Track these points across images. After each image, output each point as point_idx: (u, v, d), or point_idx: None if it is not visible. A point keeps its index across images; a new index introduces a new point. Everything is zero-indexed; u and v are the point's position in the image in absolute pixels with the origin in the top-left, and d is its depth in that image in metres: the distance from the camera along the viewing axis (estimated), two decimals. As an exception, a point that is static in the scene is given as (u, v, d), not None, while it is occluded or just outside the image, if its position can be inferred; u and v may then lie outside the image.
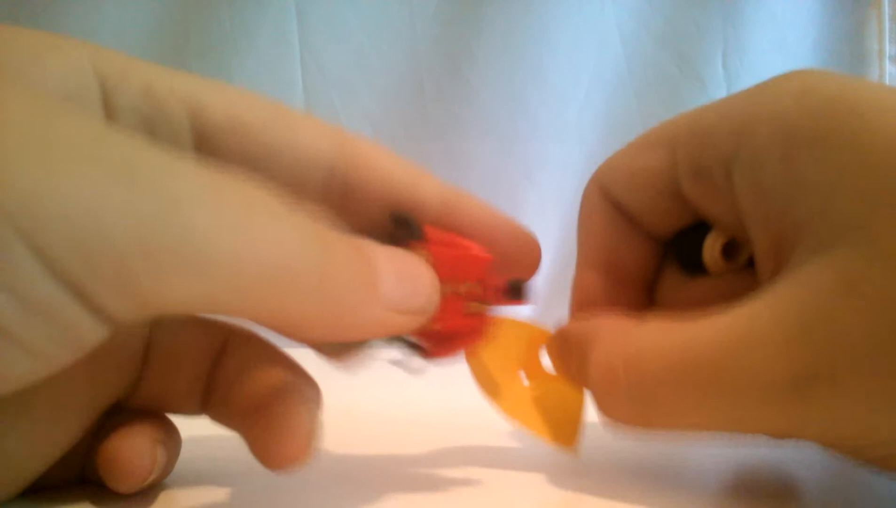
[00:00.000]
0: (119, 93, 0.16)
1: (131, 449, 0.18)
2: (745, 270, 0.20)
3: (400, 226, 0.19)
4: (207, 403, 0.20)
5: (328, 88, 0.51)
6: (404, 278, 0.17)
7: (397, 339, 0.19)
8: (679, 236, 0.21)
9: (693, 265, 0.21)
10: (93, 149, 0.11)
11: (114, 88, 0.16)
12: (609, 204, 0.22)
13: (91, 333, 0.12)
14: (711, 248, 0.20)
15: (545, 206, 0.52)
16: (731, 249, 0.20)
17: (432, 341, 0.19)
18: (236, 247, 0.12)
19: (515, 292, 0.20)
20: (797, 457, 0.23)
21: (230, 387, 0.19)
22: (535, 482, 0.21)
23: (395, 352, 0.19)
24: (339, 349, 0.19)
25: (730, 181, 0.18)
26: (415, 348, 0.19)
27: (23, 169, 0.10)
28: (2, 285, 0.10)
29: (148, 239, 0.11)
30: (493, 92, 0.52)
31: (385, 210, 0.19)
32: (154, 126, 0.17)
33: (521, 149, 0.52)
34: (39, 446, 0.18)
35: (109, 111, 0.16)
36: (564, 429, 0.21)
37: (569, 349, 0.21)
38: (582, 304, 0.23)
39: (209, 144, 0.18)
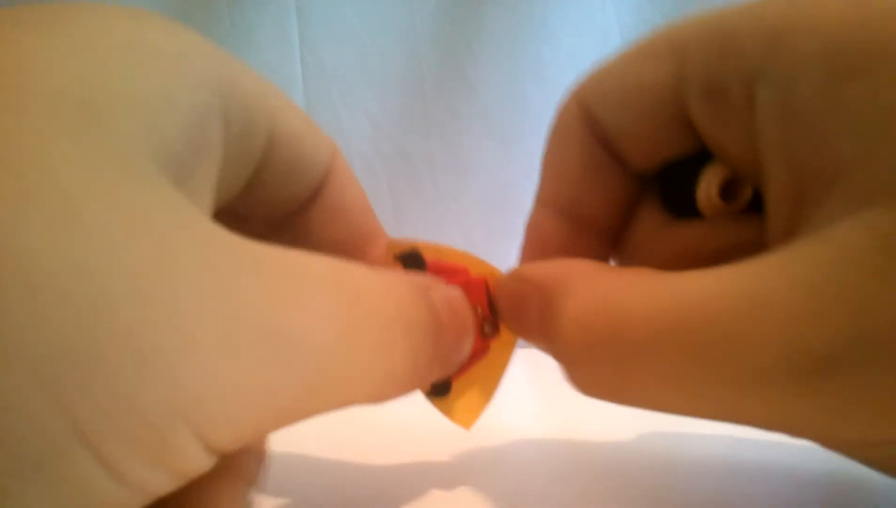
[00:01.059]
0: (231, 106, 0.15)
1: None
2: (745, 215, 0.17)
3: (408, 262, 0.19)
4: None
5: (328, 87, 0.51)
6: (457, 338, 0.16)
7: None
8: (669, 168, 0.18)
9: (682, 205, 0.18)
10: (258, 328, 0.12)
11: (228, 100, 0.15)
12: (587, 128, 0.18)
13: (200, 468, 0.12)
14: (709, 184, 0.16)
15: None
16: (730, 188, 0.17)
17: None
18: (355, 386, 0.14)
19: None
20: (797, 455, 0.23)
21: None
22: (535, 481, 0.21)
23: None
24: None
25: (751, 103, 0.15)
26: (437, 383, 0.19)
27: (204, 370, 0.11)
28: (165, 466, 0.11)
29: (286, 410, 0.13)
30: (493, 90, 0.52)
31: (340, 225, 0.19)
32: (247, 139, 0.16)
33: (522, 147, 0.52)
34: None
35: (226, 122, 0.15)
36: (471, 403, 0.19)
37: (527, 295, 0.17)
38: (535, 251, 0.20)
39: (271, 152, 0.17)
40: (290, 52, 0.51)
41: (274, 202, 0.19)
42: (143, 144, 0.12)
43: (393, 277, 0.15)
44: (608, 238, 0.20)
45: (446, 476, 0.21)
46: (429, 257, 0.19)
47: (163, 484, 0.12)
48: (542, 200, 0.20)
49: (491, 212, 0.51)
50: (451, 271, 0.19)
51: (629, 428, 0.27)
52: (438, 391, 0.19)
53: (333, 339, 0.13)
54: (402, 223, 0.52)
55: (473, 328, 0.17)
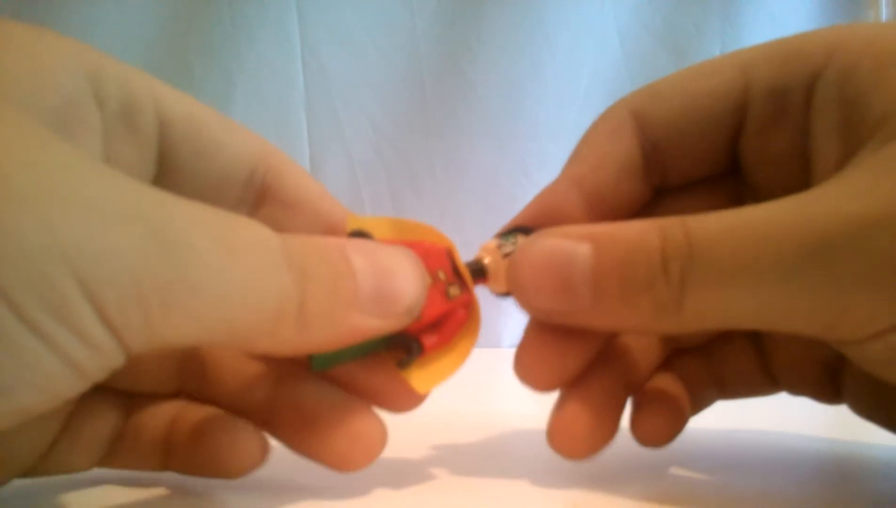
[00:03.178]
0: (102, 84, 0.17)
1: (242, 436, 0.19)
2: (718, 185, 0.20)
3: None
4: (195, 382, 0.20)
5: (329, 87, 0.51)
6: (386, 278, 0.17)
7: (388, 341, 0.19)
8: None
9: None
10: (135, 210, 0.13)
11: (97, 80, 0.17)
12: (636, 134, 0.20)
13: (117, 360, 0.14)
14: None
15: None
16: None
17: (423, 333, 0.19)
18: (236, 301, 0.14)
19: (478, 273, 0.20)
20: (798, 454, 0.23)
21: (220, 363, 0.20)
22: (536, 481, 0.21)
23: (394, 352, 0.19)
24: (327, 358, 0.19)
25: (808, 98, 0.18)
26: (407, 345, 0.19)
27: (89, 233, 0.13)
28: (68, 323, 0.12)
29: (167, 294, 0.13)
30: (492, 91, 0.52)
31: (298, 218, 0.20)
32: (130, 114, 0.18)
33: (521, 148, 0.52)
34: (29, 435, 0.18)
35: (100, 102, 0.17)
36: (434, 371, 0.19)
37: (644, 238, 0.17)
38: (542, 211, 0.21)
39: (169, 133, 0.19)
40: (291, 52, 0.51)
41: (203, 190, 0.19)
42: (16, 103, 0.15)
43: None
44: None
45: (446, 474, 0.21)
46: (381, 237, 0.19)
47: (83, 357, 0.13)
48: (571, 175, 0.21)
49: (489, 210, 0.51)
50: (407, 246, 0.19)
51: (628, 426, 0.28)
52: (408, 355, 0.19)
53: (208, 241, 0.14)
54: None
55: (415, 276, 0.17)
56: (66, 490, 0.20)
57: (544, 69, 0.52)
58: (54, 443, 0.19)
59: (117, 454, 0.20)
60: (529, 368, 0.19)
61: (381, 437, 0.18)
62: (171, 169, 0.19)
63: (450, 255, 0.20)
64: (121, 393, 0.20)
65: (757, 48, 0.20)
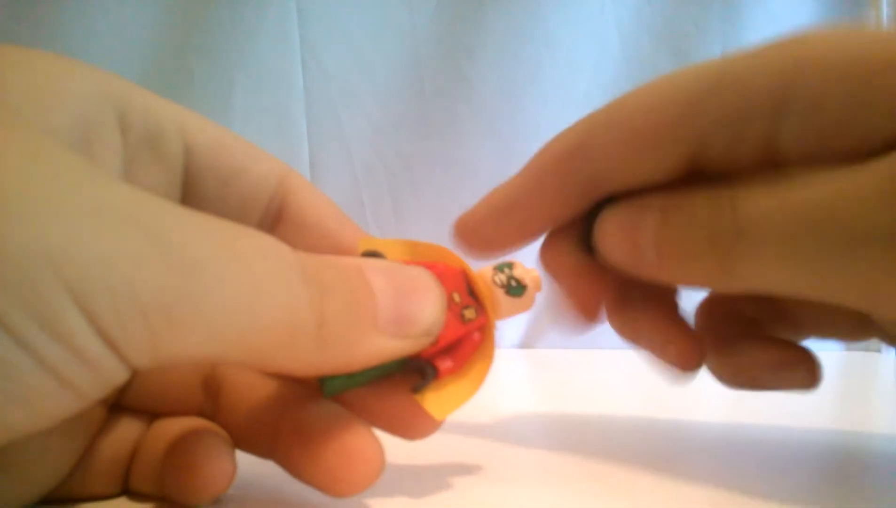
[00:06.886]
0: (128, 112, 0.17)
1: (208, 456, 0.18)
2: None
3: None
4: (211, 402, 0.20)
5: (328, 88, 0.51)
6: (406, 298, 0.17)
7: (401, 365, 0.18)
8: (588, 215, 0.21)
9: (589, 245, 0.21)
10: (134, 217, 0.13)
11: (124, 107, 0.17)
12: (571, 163, 0.20)
13: (118, 377, 0.13)
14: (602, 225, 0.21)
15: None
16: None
17: (437, 357, 0.19)
18: (248, 315, 0.14)
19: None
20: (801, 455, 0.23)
21: (234, 383, 0.20)
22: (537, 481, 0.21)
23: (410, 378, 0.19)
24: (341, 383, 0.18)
25: (773, 128, 0.17)
26: (421, 370, 0.19)
27: (80, 238, 0.12)
28: (57, 336, 0.12)
29: (171, 306, 0.12)
30: (492, 91, 0.52)
31: (314, 240, 0.20)
32: (156, 142, 0.18)
33: (521, 148, 0.52)
34: (52, 457, 0.18)
35: (124, 129, 0.17)
36: (450, 395, 0.19)
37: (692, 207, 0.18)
38: (503, 210, 0.22)
39: (194, 161, 0.19)
40: (291, 53, 0.51)
41: (226, 214, 0.19)
42: (33, 122, 0.15)
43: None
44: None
45: (443, 469, 0.21)
46: (394, 258, 0.19)
47: (75, 373, 0.12)
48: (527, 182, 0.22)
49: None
50: (426, 266, 0.19)
51: (629, 426, 0.28)
52: (423, 380, 0.19)
53: (214, 248, 0.13)
54: (402, 222, 0.52)
55: (434, 297, 0.17)
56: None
57: (544, 69, 0.52)
58: (76, 466, 0.18)
59: (130, 475, 0.19)
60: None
61: (377, 457, 0.17)
62: (195, 194, 0.19)
63: (465, 276, 0.20)
64: (145, 413, 0.20)
65: (698, 75, 0.18)
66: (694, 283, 0.20)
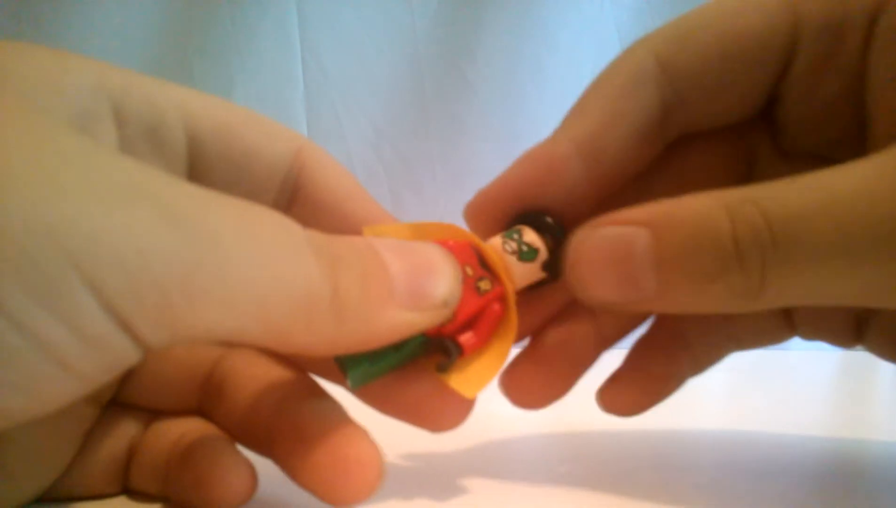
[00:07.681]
0: (126, 104, 0.17)
1: (229, 469, 0.17)
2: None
3: None
4: (211, 401, 0.20)
5: (329, 88, 0.51)
6: (420, 272, 0.16)
7: (424, 346, 0.18)
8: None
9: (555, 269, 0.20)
10: (141, 190, 0.12)
11: (121, 100, 0.17)
12: (659, 87, 0.18)
13: (129, 358, 0.12)
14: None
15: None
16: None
17: (459, 333, 0.18)
18: (264, 286, 0.13)
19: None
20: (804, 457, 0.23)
21: (236, 382, 0.19)
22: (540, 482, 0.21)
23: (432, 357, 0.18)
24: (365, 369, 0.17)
25: (867, 40, 0.16)
26: (444, 348, 0.18)
27: (84, 210, 0.11)
28: (65, 320, 0.11)
29: (188, 278, 0.12)
30: (493, 92, 0.52)
31: (327, 220, 0.20)
32: (156, 133, 0.18)
33: (521, 148, 0.52)
34: (42, 456, 0.18)
35: (120, 122, 0.17)
36: (476, 372, 0.18)
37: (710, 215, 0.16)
38: (532, 172, 0.20)
39: (199, 148, 0.18)
40: (291, 53, 0.51)
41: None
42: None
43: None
44: (603, 196, 0.20)
45: (442, 469, 0.21)
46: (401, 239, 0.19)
47: (79, 354, 0.11)
48: (572, 135, 0.20)
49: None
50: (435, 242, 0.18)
51: (629, 428, 0.28)
52: (448, 357, 0.18)
53: (225, 221, 0.13)
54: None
55: (448, 268, 0.17)
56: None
57: (544, 70, 0.52)
58: (73, 465, 0.18)
59: (129, 474, 0.19)
60: (518, 392, 0.20)
61: (373, 461, 0.16)
62: (203, 183, 0.18)
63: (475, 249, 0.19)
64: (142, 409, 0.20)
65: None
66: (706, 310, 0.16)
